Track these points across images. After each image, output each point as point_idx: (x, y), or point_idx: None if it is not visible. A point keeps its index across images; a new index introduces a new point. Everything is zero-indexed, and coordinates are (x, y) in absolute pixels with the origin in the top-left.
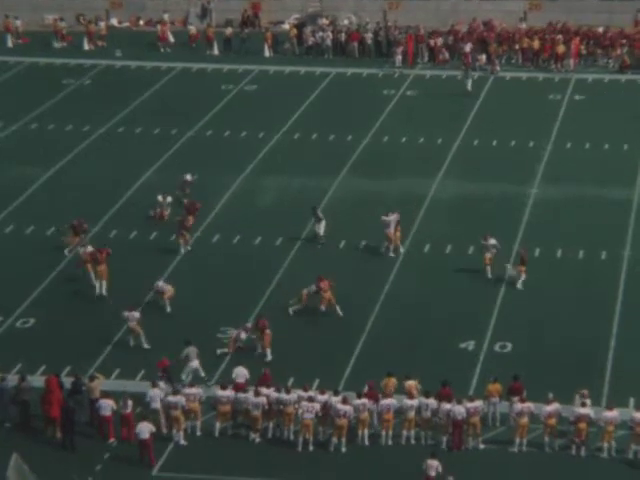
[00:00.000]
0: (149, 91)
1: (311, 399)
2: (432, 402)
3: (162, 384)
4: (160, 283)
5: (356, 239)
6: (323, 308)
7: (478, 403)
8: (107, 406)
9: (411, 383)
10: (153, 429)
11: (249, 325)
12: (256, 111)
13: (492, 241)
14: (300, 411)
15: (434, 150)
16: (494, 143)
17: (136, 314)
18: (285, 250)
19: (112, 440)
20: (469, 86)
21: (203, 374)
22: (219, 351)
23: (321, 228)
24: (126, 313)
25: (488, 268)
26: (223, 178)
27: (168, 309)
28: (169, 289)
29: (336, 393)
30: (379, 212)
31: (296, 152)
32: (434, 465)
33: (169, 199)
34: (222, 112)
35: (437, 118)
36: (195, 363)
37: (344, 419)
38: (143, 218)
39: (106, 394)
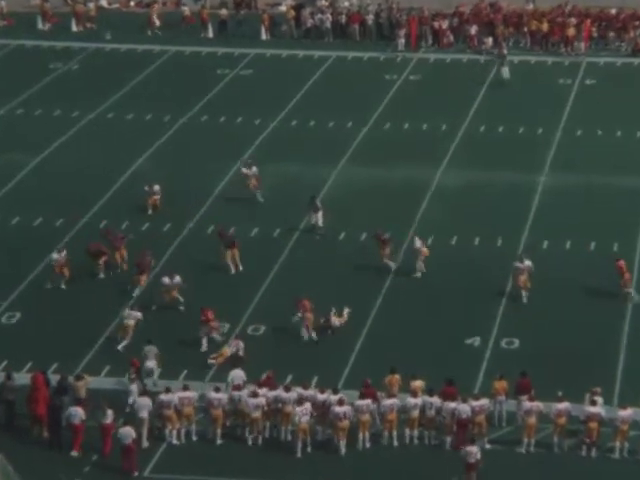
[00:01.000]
0: (140, 75)
1: (301, 401)
2: (436, 401)
3: (134, 386)
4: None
5: (356, 231)
6: (305, 335)
7: (484, 401)
8: (77, 414)
9: (417, 384)
10: (134, 435)
11: (238, 342)
12: (252, 97)
13: (527, 262)
14: (297, 417)
15: (438, 137)
16: (501, 130)
17: (138, 314)
18: (282, 242)
19: (76, 452)
20: (506, 74)
21: (155, 377)
22: (210, 361)
23: (319, 218)
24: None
25: (523, 292)
26: (218, 166)
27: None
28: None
29: (335, 391)
30: (380, 203)
31: (294, 139)
32: (474, 451)
33: (156, 187)
34: (217, 98)
35: (441, 104)
36: (151, 363)
37: (345, 420)
38: (135, 208)
39: (78, 401)
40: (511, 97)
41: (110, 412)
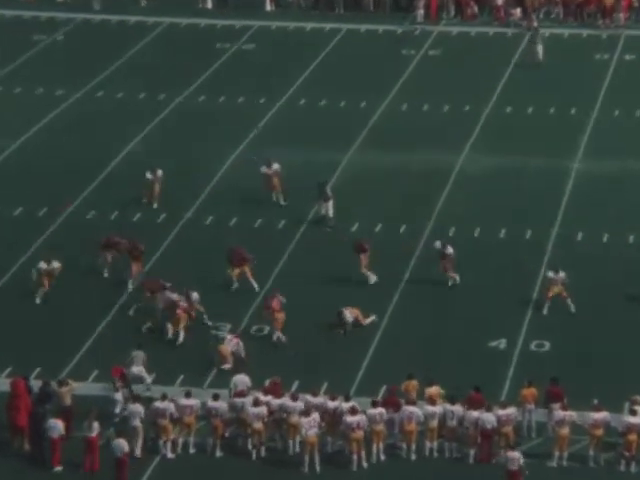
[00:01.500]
0: (132, 50)
1: (307, 412)
2: (458, 409)
3: (119, 395)
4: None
5: (371, 222)
6: (278, 336)
7: (511, 410)
8: (56, 427)
9: (433, 390)
10: (127, 448)
11: (236, 336)
12: (255, 74)
13: (562, 274)
14: (303, 430)
15: (461, 119)
16: (530, 111)
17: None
18: (289, 234)
19: (58, 468)
20: (540, 54)
21: (149, 381)
22: (226, 367)
23: (329, 208)
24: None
25: (547, 303)
26: (218, 151)
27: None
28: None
29: (347, 399)
30: (396, 191)
31: (301, 121)
32: (515, 457)
33: (160, 173)
34: (216, 75)
35: (464, 82)
36: (137, 369)
37: (359, 431)
38: (126, 196)
39: (63, 409)
40: (541, 75)
41: (96, 424)
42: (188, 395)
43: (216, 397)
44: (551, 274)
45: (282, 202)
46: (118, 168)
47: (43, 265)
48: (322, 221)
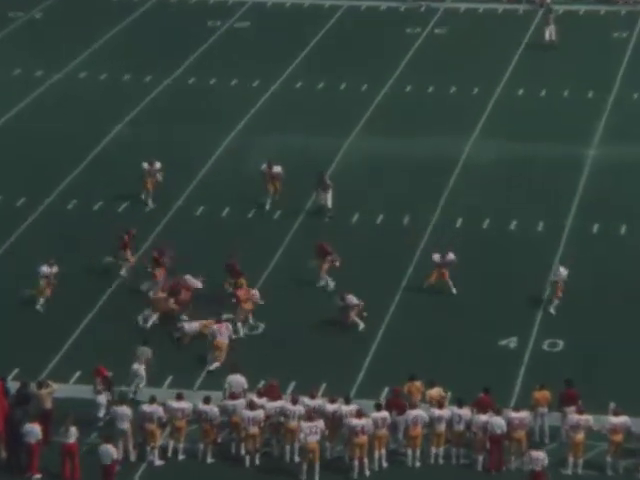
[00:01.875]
0: (117, 28)
1: (311, 416)
2: (466, 413)
3: (103, 397)
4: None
5: (371, 213)
6: (241, 331)
7: (524, 414)
8: (33, 431)
9: (434, 392)
10: (116, 455)
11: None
12: (249, 54)
13: (563, 272)
14: (302, 435)
15: (469, 102)
16: (542, 94)
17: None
18: (285, 225)
19: (37, 476)
20: (550, 35)
21: (142, 384)
22: (212, 366)
23: (328, 199)
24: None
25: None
26: (209, 137)
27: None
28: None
29: (348, 401)
30: (400, 180)
31: (298, 105)
32: (540, 457)
33: (158, 165)
34: (207, 55)
35: (472, 63)
36: (138, 366)
37: (363, 436)
38: (110, 184)
39: (43, 413)
40: (555, 55)
41: (74, 430)
42: (179, 397)
43: (207, 400)
44: (553, 277)
45: (267, 206)
46: (103, 153)
47: (46, 269)
48: (321, 211)
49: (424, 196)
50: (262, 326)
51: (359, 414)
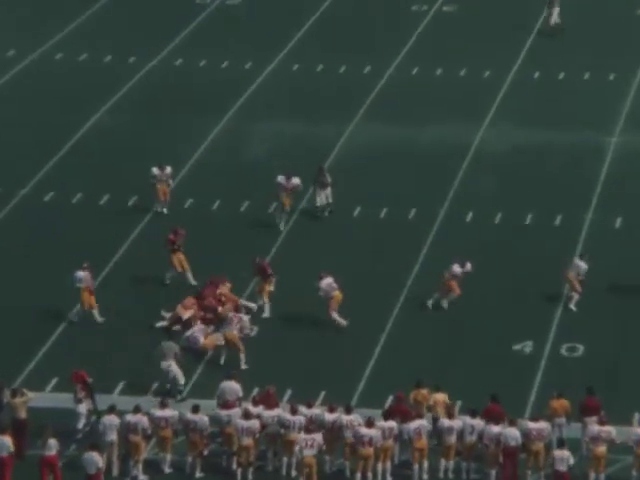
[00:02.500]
0: (98, 3)
1: (310, 428)
2: (479, 423)
3: (83, 407)
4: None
5: (375, 206)
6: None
7: (543, 424)
8: (3, 444)
9: (439, 396)
10: (101, 463)
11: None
12: (241, 33)
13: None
14: (297, 447)
15: (479, 86)
16: (561, 76)
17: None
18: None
19: None
20: (555, 18)
21: (182, 382)
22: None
23: (328, 195)
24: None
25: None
26: (198, 124)
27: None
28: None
29: (349, 410)
30: (405, 170)
31: (295, 89)
32: (565, 456)
33: (169, 170)
34: (196, 34)
35: (483, 43)
36: (168, 364)
37: (370, 448)
38: (90, 175)
39: (17, 423)
40: (573, 34)
41: (53, 442)
42: (163, 405)
43: (196, 409)
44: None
45: (282, 226)
46: (82, 141)
47: (81, 273)
48: (317, 210)
49: (431, 188)
50: (256, 329)
51: (369, 423)
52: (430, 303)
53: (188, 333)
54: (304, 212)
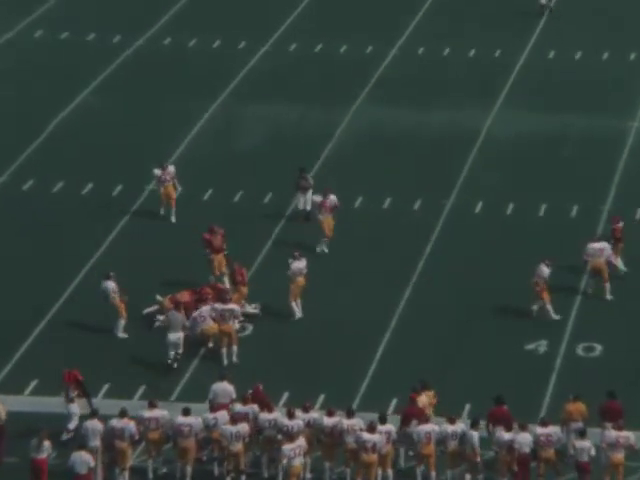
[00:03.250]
0: None
1: (290, 435)
2: (457, 429)
3: (75, 406)
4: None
5: (378, 196)
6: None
7: (552, 429)
8: None
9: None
10: (92, 462)
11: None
12: (234, 11)
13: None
14: (285, 460)
15: (490, 67)
16: (577, 56)
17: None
18: (277, 209)
19: None
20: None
21: (179, 351)
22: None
23: (307, 201)
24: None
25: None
26: (188, 107)
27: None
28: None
29: (350, 414)
30: (410, 157)
31: (292, 70)
32: (586, 447)
33: (172, 169)
34: (185, 11)
35: (494, 20)
36: (176, 336)
37: (373, 454)
38: (72, 162)
39: None
40: (588, 12)
41: (47, 444)
42: (152, 406)
43: (187, 411)
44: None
45: (323, 249)
46: (63, 128)
47: (112, 284)
48: (301, 216)
49: (438, 177)
50: (250, 327)
51: (371, 428)
52: (534, 309)
53: (195, 313)
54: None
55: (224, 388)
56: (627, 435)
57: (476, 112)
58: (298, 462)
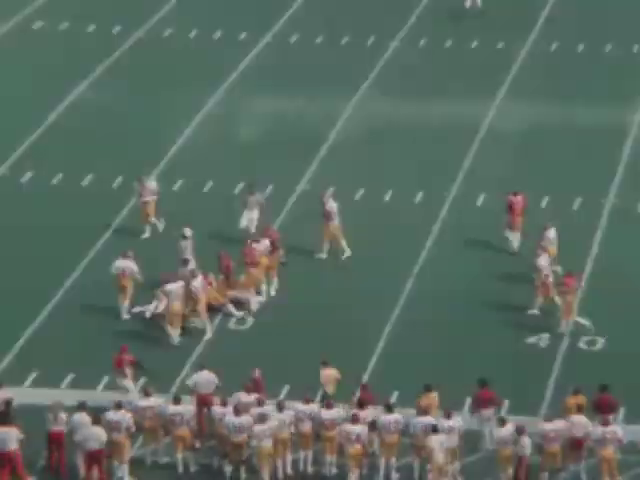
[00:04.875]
0: None
1: (262, 418)
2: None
3: (129, 382)
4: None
5: (378, 189)
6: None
7: (560, 423)
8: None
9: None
10: (105, 437)
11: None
12: (236, 1)
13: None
14: (254, 441)
15: (493, 58)
16: (580, 48)
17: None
18: (276, 204)
19: None
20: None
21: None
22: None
23: (254, 219)
24: None
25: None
26: (187, 100)
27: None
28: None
29: (361, 405)
30: (412, 148)
31: (292, 62)
32: (582, 422)
33: (152, 185)
34: (186, 2)
35: (497, 10)
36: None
37: (357, 445)
38: (70, 154)
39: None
40: (594, 1)
41: (64, 416)
42: (147, 394)
43: (177, 400)
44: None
45: (347, 253)
46: (61, 121)
47: (121, 263)
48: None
49: (440, 169)
50: (251, 320)
51: (355, 419)
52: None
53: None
54: (302, 195)
55: (206, 377)
56: (614, 430)
57: (478, 103)
58: (269, 443)
